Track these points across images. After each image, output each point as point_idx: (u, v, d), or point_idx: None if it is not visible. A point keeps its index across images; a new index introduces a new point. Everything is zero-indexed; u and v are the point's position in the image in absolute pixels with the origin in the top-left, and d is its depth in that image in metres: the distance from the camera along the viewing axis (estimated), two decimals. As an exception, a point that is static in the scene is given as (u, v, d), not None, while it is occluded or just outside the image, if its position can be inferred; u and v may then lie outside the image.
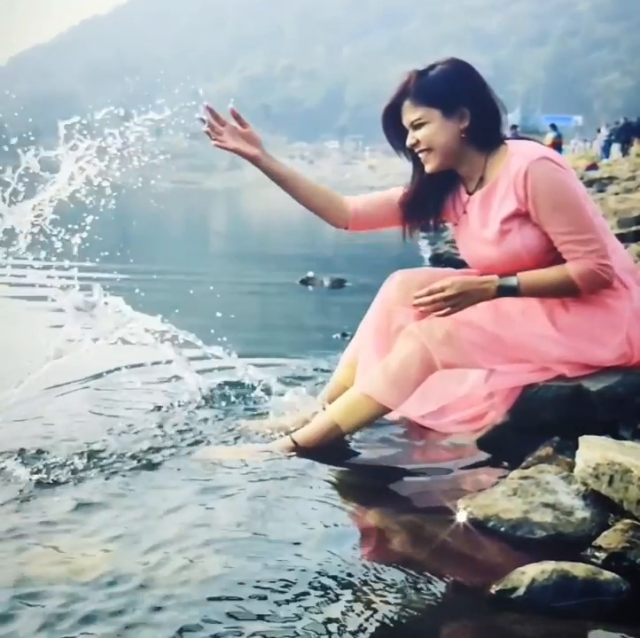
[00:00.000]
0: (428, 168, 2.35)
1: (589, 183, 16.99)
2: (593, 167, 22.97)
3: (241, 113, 2.44)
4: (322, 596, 1.58)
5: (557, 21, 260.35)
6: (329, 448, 2.33)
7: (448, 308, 2.25)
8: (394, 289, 2.47)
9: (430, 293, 2.24)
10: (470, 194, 2.41)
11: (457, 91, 2.28)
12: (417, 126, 2.31)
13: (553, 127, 24.43)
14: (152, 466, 2.22)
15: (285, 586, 1.60)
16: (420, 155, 2.35)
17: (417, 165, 2.42)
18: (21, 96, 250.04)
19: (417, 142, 2.32)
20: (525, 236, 2.28)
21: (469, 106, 2.28)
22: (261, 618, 1.48)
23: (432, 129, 2.29)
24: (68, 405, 2.86)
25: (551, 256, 2.28)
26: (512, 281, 2.25)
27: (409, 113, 2.31)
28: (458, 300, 2.25)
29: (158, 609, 1.48)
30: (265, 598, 1.55)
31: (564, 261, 2.26)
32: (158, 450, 2.34)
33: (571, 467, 1.99)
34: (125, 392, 3.04)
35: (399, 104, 2.33)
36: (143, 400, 2.90)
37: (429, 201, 2.49)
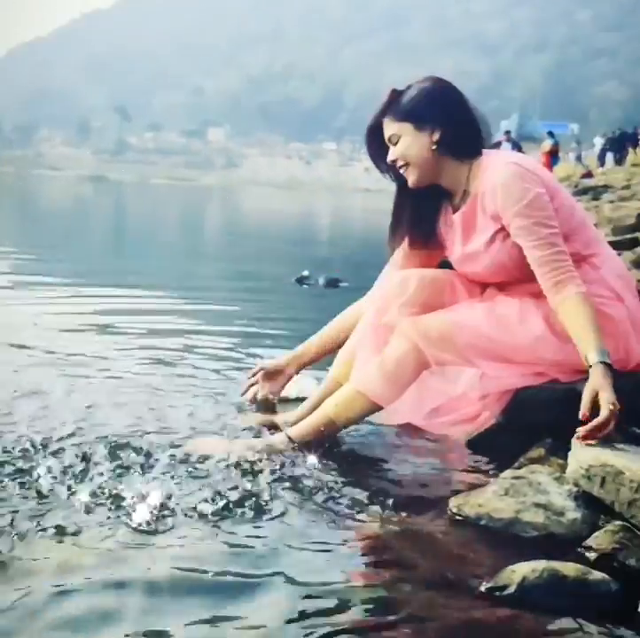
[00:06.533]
0: (410, 183, 2.41)
1: (585, 191, 17.10)
2: (588, 175, 23.12)
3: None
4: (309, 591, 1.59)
5: (557, 29, 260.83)
6: (322, 444, 2.34)
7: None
8: (393, 287, 2.48)
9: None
10: (454, 210, 2.46)
11: (428, 105, 2.34)
12: (394, 142, 2.38)
13: (550, 134, 24.58)
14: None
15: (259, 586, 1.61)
16: (401, 170, 2.41)
17: (401, 184, 2.47)
18: (19, 89, 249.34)
19: (396, 158, 2.38)
20: (509, 247, 2.31)
21: (440, 119, 2.34)
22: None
23: (405, 143, 2.36)
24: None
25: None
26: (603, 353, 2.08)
27: (387, 129, 2.39)
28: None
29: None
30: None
31: None
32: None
33: (563, 468, 2.01)
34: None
35: (381, 123, 2.41)
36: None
37: (418, 220, 2.52)
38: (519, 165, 2.28)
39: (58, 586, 1.52)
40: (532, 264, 2.23)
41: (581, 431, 1.97)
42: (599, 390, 2.02)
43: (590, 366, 2.07)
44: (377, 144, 2.45)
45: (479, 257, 2.40)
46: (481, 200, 2.34)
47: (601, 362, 2.06)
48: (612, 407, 1.97)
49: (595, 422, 1.97)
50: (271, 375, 2.71)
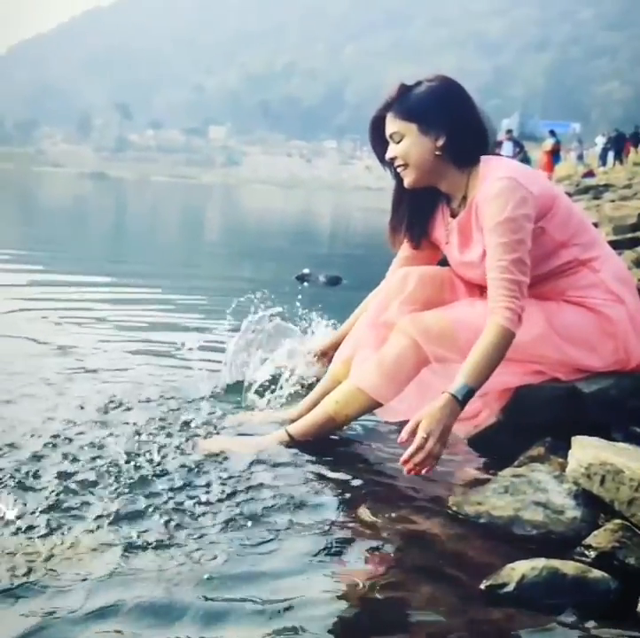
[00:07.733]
0: (406, 183, 2.37)
1: (586, 190, 17.10)
2: (590, 174, 23.14)
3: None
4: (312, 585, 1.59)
5: (558, 28, 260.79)
6: (322, 442, 2.34)
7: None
8: (396, 284, 2.47)
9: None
10: (453, 215, 2.43)
11: (436, 109, 2.27)
12: (396, 140, 2.32)
13: (552, 133, 24.58)
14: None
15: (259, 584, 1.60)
16: (398, 170, 2.36)
17: (400, 181, 2.42)
18: (20, 85, 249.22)
19: (396, 156, 2.33)
20: None
21: (446, 125, 2.27)
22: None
23: (407, 144, 2.30)
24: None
25: (533, 271, 2.29)
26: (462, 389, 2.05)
27: (390, 126, 2.32)
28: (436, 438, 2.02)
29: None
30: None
31: (545, 277, 2.29)
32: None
33: (563, 467, 2.01)
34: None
35: (385, 116, 2.34)
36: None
37: (414, 219, 2.50)
38: (513, 179, 2.20)
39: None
40: (487, 278, 2.20)
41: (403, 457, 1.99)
42: (423, 418, 2.00)
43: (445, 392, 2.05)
44: (379, 137, 2.38)
45: (474, 267, 2.38)
46: (475, 211, 2.30)
47: (452, 395, 2.03)
48: (424, 436, 1.97)
49: (409, 450, 1.98)
50: (319, 357, 2.78)
